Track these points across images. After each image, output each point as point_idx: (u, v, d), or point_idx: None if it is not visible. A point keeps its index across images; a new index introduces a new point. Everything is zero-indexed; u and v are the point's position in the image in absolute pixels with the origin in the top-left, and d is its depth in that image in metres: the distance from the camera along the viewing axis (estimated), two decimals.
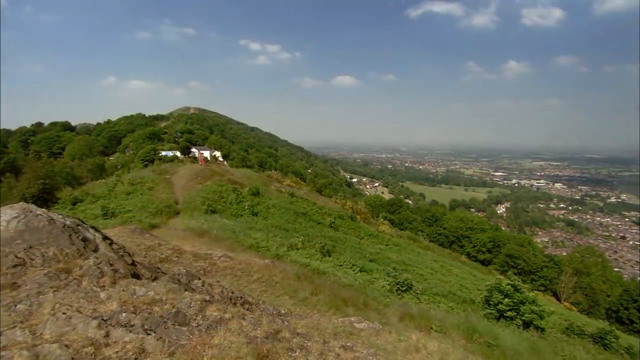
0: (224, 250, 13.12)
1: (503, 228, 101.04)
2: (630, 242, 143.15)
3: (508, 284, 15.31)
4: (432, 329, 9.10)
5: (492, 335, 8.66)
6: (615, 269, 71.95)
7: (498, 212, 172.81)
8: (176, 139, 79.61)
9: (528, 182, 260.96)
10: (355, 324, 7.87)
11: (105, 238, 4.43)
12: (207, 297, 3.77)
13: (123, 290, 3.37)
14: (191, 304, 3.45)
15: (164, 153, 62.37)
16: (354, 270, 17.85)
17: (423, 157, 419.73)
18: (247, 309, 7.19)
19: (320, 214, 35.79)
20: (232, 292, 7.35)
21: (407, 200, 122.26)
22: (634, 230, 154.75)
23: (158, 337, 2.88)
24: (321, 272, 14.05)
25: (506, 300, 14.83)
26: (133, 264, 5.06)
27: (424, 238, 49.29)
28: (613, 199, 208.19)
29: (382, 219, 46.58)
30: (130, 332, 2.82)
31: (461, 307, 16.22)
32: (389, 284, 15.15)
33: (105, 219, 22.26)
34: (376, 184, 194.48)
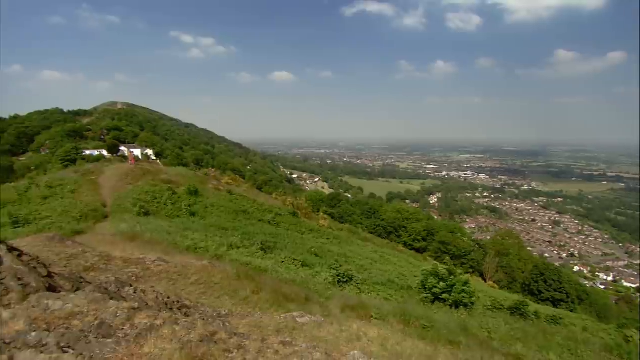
0: (159, 254, 12.37)
1: (436, 217, 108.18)
2: (539, 224, 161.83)
3: (444, 269, 16.46)
4: (372, 317, 9.45)
5: (427, 318, 9.23)
6: (528, 248, 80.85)
7: (431, 202, 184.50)
8: (102, 137, 73.15)
9: (457, 173, 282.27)
10: (297, 319, 7.90)
11: (11, 249, 3.90)
12: (137, 305, 3.50)
13: (33, 307, 2.99)
14: (117, 313, 3.19)
15: (88, 152, 57.04)
16: (295, 266, 17.89)
17: (361, 152, 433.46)
18: (185, 313, 6.87)
19: (260, 211, 35.32)
20: (168, 297, 6.97)
21: (346, 194, 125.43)
22: (542, 214, 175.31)
23: (77, 353, 2.61)
24: (263, 270, 13.88)
25: (441, 284, 15.91)
26: (49, 275, 4.54)
27: (364, 230, 51.01)
28: (525, 187, 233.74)
29: (322, 214, 47.30)
30: (42, 352, 2.51)
31: (399, 294, 17.06)
32: (330, 277, 15.43)
33: (16, 227, 19.71)
34: (316, 179, 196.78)
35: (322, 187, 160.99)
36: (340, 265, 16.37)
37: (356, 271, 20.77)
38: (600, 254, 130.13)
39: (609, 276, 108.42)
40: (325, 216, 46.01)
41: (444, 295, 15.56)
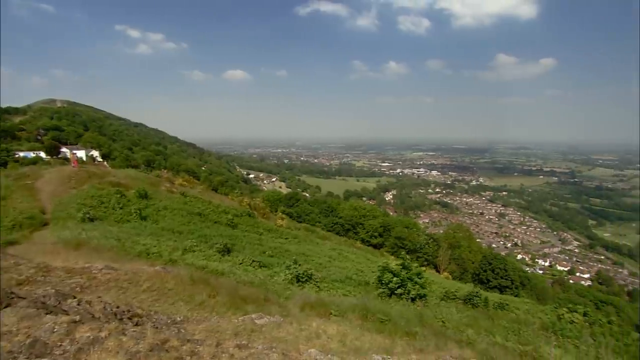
0: (107, 262, 11.62)
1: (391, 213, 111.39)
2: (487, 217, 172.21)
3: (398, 264, 16.95)
4: (331, 314, 9.52)
5: (384, 312, 9.46)
6: (478, 240, 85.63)
7: (386, 199, 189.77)
8: (39, 137, 67.37)
9: (410, 170, 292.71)
10: (256, 321, 7.77)
11: None
12: (78, 318, 3.24)
13: None
14: (55, 328, 2.93)
15: (22, 154, 52.36)
16: (254, 267, 17.64)
17: (317, 151, 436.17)
18: (136, 323, 6.51)
19: (216, 212, 34.41)
20: (118, 307, 6.57)
21: (304, 194, 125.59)
22: (489, 207, 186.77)
23: None
24: (220, 273, 13.52)
25: (395, 278, 16.39)
26: None
27: (322, 228, 51.35)
28: (474, 182, 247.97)
29: (280, 213, 47.01)
30: None
31: (358, 290, 17.36)
32: (289, 277, 15.37)
33: None
34: (273, 179, 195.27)
35: (280, 187, 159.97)
36: (299, 265, 16.35)
37: (315, 269, 20.85)
38: (539, 242, 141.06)
39: (546, 262, 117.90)
40: (283, 216, 45.77)
41: (399, 290, 16.06)
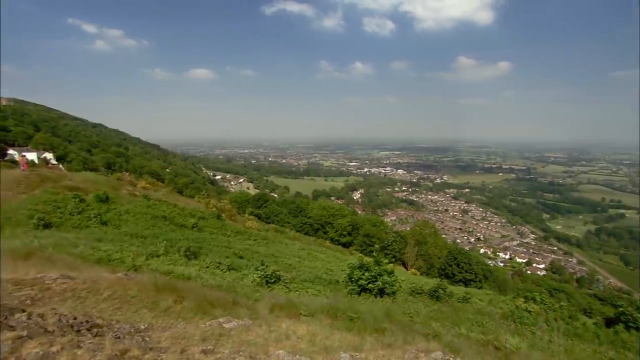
0: (63, 270, 10.94)
1: (359, 212, 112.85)
2: (451, 213, 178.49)
3: (371, 260, 17.18)
4: (301, 314, 9.50)
5: (354, 309, 9.56)
6: (443, 236, 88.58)
7: (354, 198, 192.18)
8: None
9: (377, 169, 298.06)
10: (224, 325, 7.61)
11: None
12: (26, 333, 3.02)
13: None
14: None
15: None
16: (222, 270, 17.29)
17: (285, 151, 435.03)
18: (96, 334, 6.19)
19: (182, 215, 33.43)
20: (75, 318, 6.20)
21: (272, 194, 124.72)
22: (453, 204, 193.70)
23: None
24: (186, 278, 13.14)
25: (366, 274, 16.60)
26: None
27: (291, 229, 51.18)
28: (438, 180, 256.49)
29: (248, 215, 46.40)
30: None
31: (328, 289, 17.44)
32: (258, 279, 15.20)
33: None
34: (241, 180, 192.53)
35: (248, 188, 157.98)
36: (267, 266, 16.20)
37: (284, 270, 20.75)
38: (500, 236, 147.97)
39: (507, 255, 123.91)
40: (252, 217, 45.20)
41: (370, 286, 16.29)
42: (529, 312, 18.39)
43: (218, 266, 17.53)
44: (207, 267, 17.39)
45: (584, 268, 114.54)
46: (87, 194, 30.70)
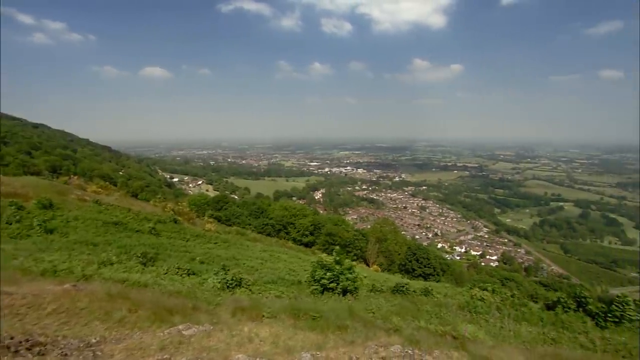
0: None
1: (321, 211, 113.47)
2: (410, 210, 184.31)
3: (332, 259, 17.32)
4: (263, 316, 9.41)
5: (316, 309, 9.61)
6: (403, 232, 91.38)
7: (316, 197, 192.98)
8: None
9: (337, 169, 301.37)
10: (183, 332, 7.37)
11: None
12: None
13: None
14: None
15: None
16: (181, 276, 16.72)
17: (245, 151, 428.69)
18: (39, 352, 5.80)
19: (137, 220, 31.94)
20: (12, 338, 5.75)
21: (233, 196, 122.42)
22: (411, 201, 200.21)
23: None
24: (142, 285, 12.55)
25: (328, 274, 16.73)
26: None
27: (252, 230, 50.49)
28: (397, 179, 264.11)
29: (208, 218, 45.20)
30: None
31: (291, 290, 17.39)
32: (219, 283, 14.86)
33: None
34: (199, 182, 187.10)
35: (207, 190, 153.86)
36: (228, 270, 15.87)
37: (246, 273, 20.43)
38: (455, 230, 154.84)
39: (462, 248, 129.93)
40: (211, 220, 44.05)
41: (332, 285, 16.44)
42: (483, 301, 19.45)
43: (177, 272, 16.94)
44: (166, 273, 16.74)
45: (531, 257, 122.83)
46: (27, 200, 28.45)
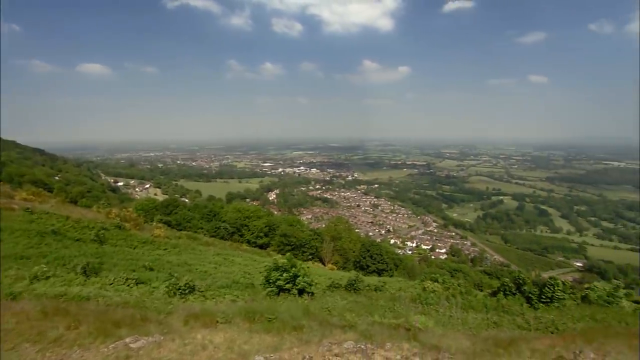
0: None
1: (275, 212, 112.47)
2: (363, 208, 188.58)
3: (287, 261, 17.24)
4: (218, 322, 9.16)
5: (272, 311, 9.52)
6: (356, 230, 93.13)
7: (270, 198, 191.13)
8: None
9: (291, 169, 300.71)
10: (131, 345, 6.98)
11: None
12: None
13: None
14: None
15: None
16: (128, 285, 15.80)
17: (195, 153, 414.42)
18: None
19: (77, 228, 29.68)
20: None
21: (183, 199, 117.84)
22: (364, 199, 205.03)
23: None
24: (84, 298, 11.68)
25: (284, 275, 16.65)
26: None
27: (205, 234, 48.93)
28: (350, 178, 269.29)
29: (157, 223, 43.13)
30: None
31: (246, 293, 17.09)
32: (170, 290, 14.25)
33: None
34: (147, 186, 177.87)
35: (155, 194, 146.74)
36: (179, 276, 15.23)
37: (199, 278, 19.78)
38: (407, 226, 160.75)
39: (414, 243, 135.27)
40: (161, 225, 42.05)
41: (287, 286, 16.39)
42: (434, 292, 20.41)
43: (124, 281, 15.99)
44: (111, 283, 15.75)
45: (476, 249, 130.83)
46: None
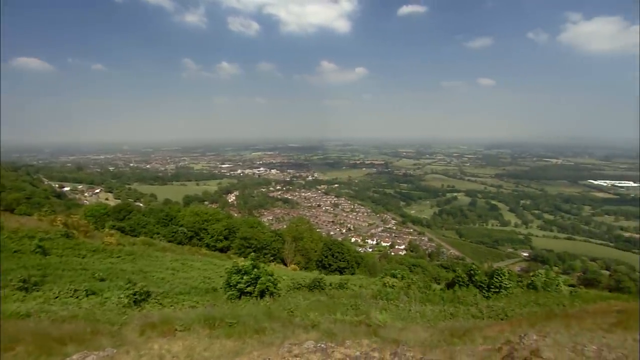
0: None
1: (235, 214, 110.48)
2: (323, 208, 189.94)
3: (248, 264, 16.96)
4: (176, 330, 8.83)
5: (232, 315, 9.34)
6: (318, 230, 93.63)
7: (229, 200, 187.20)
8: None
9: (251, 170, 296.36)
10: None
11: None
12: None
13: None
14: None
15: None
16: (77, 298, 14.82)
17: (150, 155, 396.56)
18: None
19: (15, 239, 27.39)
20: None
21: (137, 204, 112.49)
22: (324, 199, 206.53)
23: None
24: (23, 315, 10.80)
25: (245, 277, 16.38)
26: None
27: (161, 240, 47.02)
28: (310, 178, 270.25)
29: (109, 229, 40.80)
30: None
31: (206, 299, 16.63)
32: (124, 300, 13.53)
33: None
34: (97, 190, 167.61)
35: (106, 199, 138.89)
36: (134, 284, 14.49)
37: (156, 285, 19.01)
38: (367, 224, 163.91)
39: (374, 241, 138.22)
40: (113, 231, 39.81)
41: (249, 289, 16.15)
42: (394, 287, 20.98)
43: (72, 293, 14.97)
44: (56, 297, 14.71)
45: (433, 244, 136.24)
46: None
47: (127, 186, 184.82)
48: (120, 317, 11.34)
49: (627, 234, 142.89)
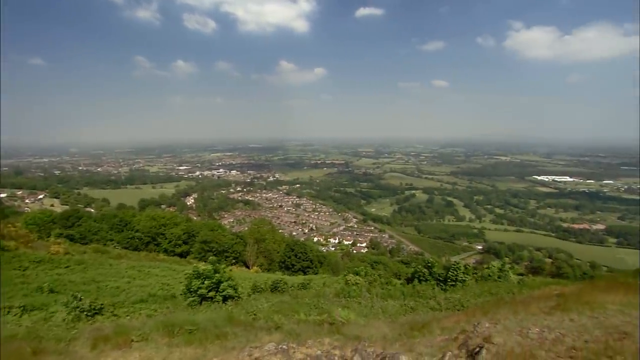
0: None
1: (194, 218, 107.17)
2: (285, 208, 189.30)
3: (209, 268, 16.49)
4: (132, 341, 8.42)
5: (192, 321, 9.04)
6: (280, 231, 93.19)
7: (188, 203, 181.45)
8: None
9: (210, 172, 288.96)
10: None
11: None
12: None
13: None
14: None
15: None
16: (16, 315, 13.68)
17: (100, 157, 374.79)
18: None
19: None
20: None
21: (88, 209, 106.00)
22: (286, 199, 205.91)
23: None
24: None
25: (206, 282, 15.93)
26: None
27: (115, 247, 44.61)
28: (271, 178, 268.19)
29: (55, 238, 38.10)
30: None
31: (164, 306, 15.99)
32: (73, 313, 12.68)
33: None
34: (40, 196, 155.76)
35: (52, 205, 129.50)
36: (80, 299, 13.46)
37: (110, 295, 18.02)
38: (329, 223, 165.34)
39: (336, 239, 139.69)
40: (60, 240, 37.20)
41: (211, 294, 15.75)
42: (356, 285, 21.30)
43: (8, 311, 13.79)
44: None
45: (394, 241, 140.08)
46: None
47: (76, 191, 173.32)
48: (68, 333, 10.61)
49: (565, 225, 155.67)
